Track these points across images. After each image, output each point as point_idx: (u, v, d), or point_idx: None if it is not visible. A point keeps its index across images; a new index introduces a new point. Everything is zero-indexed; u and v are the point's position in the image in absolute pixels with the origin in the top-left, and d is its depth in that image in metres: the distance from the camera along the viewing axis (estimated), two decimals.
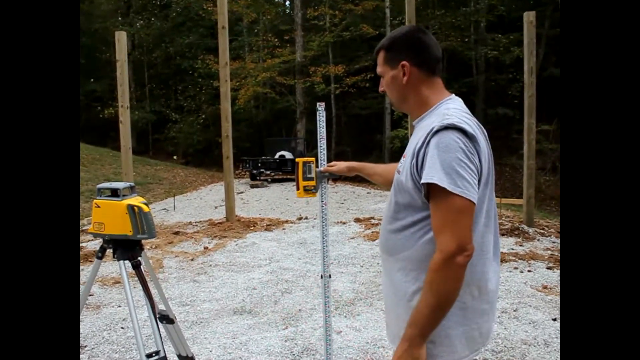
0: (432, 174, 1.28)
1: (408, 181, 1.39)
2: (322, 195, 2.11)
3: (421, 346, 1.34)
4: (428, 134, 1.34)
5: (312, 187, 2.02)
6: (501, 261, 5.06)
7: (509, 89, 19.35)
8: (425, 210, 1.37)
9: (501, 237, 6.31)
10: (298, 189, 2.04)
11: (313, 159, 2.04)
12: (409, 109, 1.56)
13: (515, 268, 4.95)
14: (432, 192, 1.31)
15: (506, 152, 18.07)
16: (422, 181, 1.31)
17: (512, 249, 5.72)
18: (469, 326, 1.41)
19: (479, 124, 1.45)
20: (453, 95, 1.52)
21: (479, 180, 1.35)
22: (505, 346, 3.23)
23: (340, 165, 2.07)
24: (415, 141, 1.41)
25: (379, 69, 1.56)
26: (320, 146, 2.10)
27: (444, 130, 1.31)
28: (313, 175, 2.02)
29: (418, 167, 1.35)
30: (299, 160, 2.04)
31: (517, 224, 6.97)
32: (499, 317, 3.71)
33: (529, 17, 7.20)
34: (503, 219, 7.59)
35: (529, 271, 4.84)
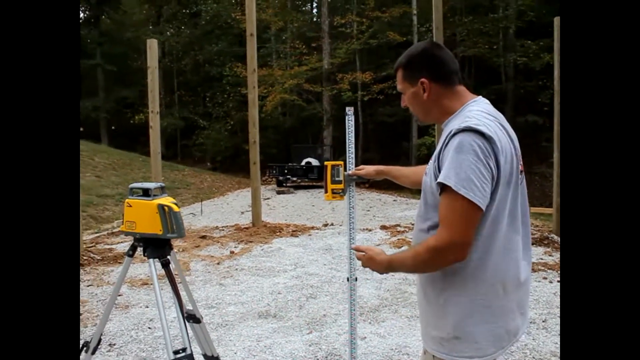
0: (445, 174, 1.35)
1: (432, 182, 1.45)
2: (349, 198, 2.12)
3: (379, 269, 1.60)
4: (447, 136, 1.41)
5: (340, 190, 2.04)
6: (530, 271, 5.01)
7: (539, 96, 18.99)
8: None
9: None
10: (326, 191, 2.06)
11: (341, 162, 2.06)
12: (435, 119, 1.61)
13: (545, 278, 4.84)
14: (443, 189, 1.38)
15: (536, 160, 17.73)
16: (437, 180, 1.39)
17: (541, 259, 5.60)
18: (495, 324, 1.45)
19: (504, 125, 1.48)
20: (479, 97, 1.56)
21: (498, 181, 1.38)
22: (533, 357, 3.17)
23: (368, 169, 2.10)
24: (440, 143, 1.47)
25: (399, 86, 1.62)
26: (349, 150, 2.11)
27: (461, 133, 1.36)
28: (341, 178, 2.04)
29: (439, 168, 1.41)
30: (328, 163, 2.06)
31: (547, 233, 6.83)
32: (526, 327, 3.63)
33: (559, 22, 7.08)
34: (532, 227, 7.44)
35: (558, 282, 4.73)
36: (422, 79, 1.53)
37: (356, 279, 2.15)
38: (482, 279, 1.43)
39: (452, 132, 1.38)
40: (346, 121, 2.12)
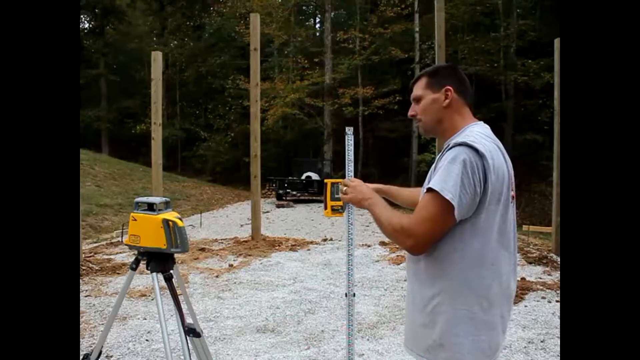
0: (434, 180, 1.46)
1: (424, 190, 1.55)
2: (348, 215, 2.15)
3: (363, 205, 1.71)
4: (444, 149, 1.52)
5: (340, 207, 2.07)
6: (529, 290, 5.01)
7: (539, 115, 19.11)
8: None
9: (528, 265, 6.19)
10: (326, 208, 2.09)
11: (341, 180, 2.09)
12: (441, 132, 1.68)
13: (543, 298, 4.84)
14: (429, 191, 1.48)
15: (535, 179, 17.77)
16: (427, 186, 1.48)
17: (540, 278, 5.60)
18: (478, 337, 1.50)
19: (501, 149, 1.56)
20: (480, 121, 1.65)
21: (484, 196, 1.46)
22: None
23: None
24: (437, 158, 1.58)
25: (417, 93, 1.69)
26: (348, 169, 2.14)
27: (457, 147, 1.47)
28: (340, 195, 2.08)
29: (432, 177, 1.51)
30: (328, 181, 2.10)
31: (546, 253, 6.83)
32: (525, 347, 3.63)
33: (560, 44, 7.17)
34: (531, 246, 7.45)
35: (557, 301, 4.73)
36: (448, 87, 1.62)
37: (354, 295, 2.16)
38: (468, 291, 1.49)
39: (450, 146, 1.49)
40: (346, 140, 2.15)
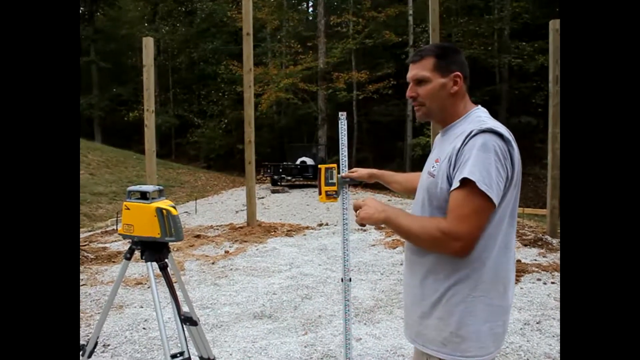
0: (470, 170, 1.37)
1: (444, 182, 1.47)
2: (343, 200, 2.14)
3: (382, 221, 1.54)
4: (466, 138, 1.43)
5: (334, 192, 2.06)
6: (524, 272, 5.04)
7: (533, 98, 19.11)
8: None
9: (524, 247, 6.23)
10: (320, 193, 2.09)
11: (335, 165, 2.09)
12: (442, 118, 1.62)
13: (539, 279, 4.87)
14: (462, 183, 1.39)
15: (529, 162, 17.82)
16: (462, 176, 1.39)
17: (535, 260, 5.64)
18: (496, 322, 1.48)
19: (508, 130, 1.51)
20: (479, 105, 1.62)
21: (510, 183, 1.43)
22: (527, 359, 3.19)
23: (361, 172, 2.12)
24: (450, 145, 1.49)
25: (423, 73, 1.57)
26: (342, 153, 2.14)
27: (482, 134, 1.40)
28: (335, 180, 2.07)
29: (454, 168, 1.43)
30: (322, 166, 2.09)
31: (541, 235, 6.87)
32: (520, 329, 3.66)
33: (554, 25, 7.12)
34: (526, 229, 7.48)
35: (552, 283, 4.77)
36: (457, 73, 1.55)
37: (350, 280, 2.15)
38: (485, 277, 1.45)
39: (474, 133, 1.41)
40: (339, 125, 2.14)
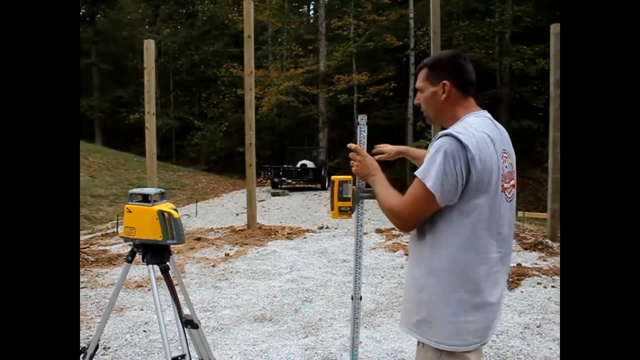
0: (420, 169, 1.56)
1: None
2: (358, 216, 1.95)
3: (367, 180, 1.80)
4: (433, 139, 1.60)
5: (348, 208, 1.89)
6: (524, 276, 5.04)
7: (534, 101, 19.11)
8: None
9: (524, 251, 6.22)
10: (332, 209, 1.91)
11: (350, 177, 1.89)
12: (443, 121, 1.73)
13: (539, 283, 4.87)
14: (416, 178, 1.58)
15: (530, 165, 17.83)
16: (414, 173, 1.59)
17: (536, 264, 5.63)
18: (465, 318, 1.58)
19: (493, 138, 1.60)
20: (481, 111, 1.69)
21: (467, 187, 1.53)
22: None
23: (390, 149, 2.14)
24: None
25: (418, 84, 1.75)
26: None
27: (442, 137, 1.54)
28: (349, 195, 1.88)
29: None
30: (335, 178, 1.90)
31: (541, 239, 6.86)
32: (521, 332, 3.66)
33: (555, 28, 7.13)
34: (526, 232, 7.48)
35: (552, 287, 4.76)
36: (445, 81, 1.67)
37: (361, 298, 2.00)
38: (458, 275, 1.58)
39: (438, 136, 1.57)
40: (358, 131, 1.94)
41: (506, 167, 1.62)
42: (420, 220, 1.59)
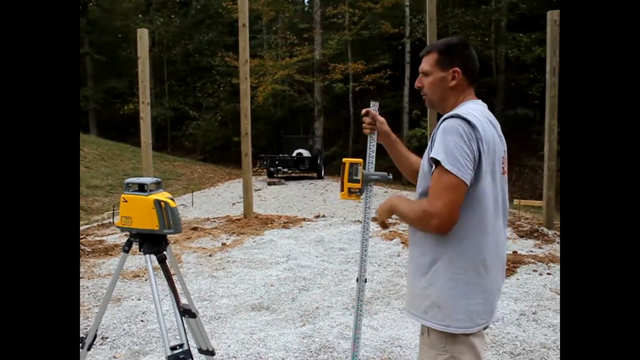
0: (436, 150, 1.53)
1: (426, 164, 1.64)
2: (366, 199, 2.00)
3: (390, 213, 1.75)
4: (440, 121, 1.59)
5: (357, 190, 1.94)
6: (520, 263, 5.07)
7: (530, 89, 19.08)
8: None
9: (520, 239, 6.26)
10: (342, 190, 1.95)
11: (361, 160, 1.93)
12: (443, 108, 1.74)
13: (535, 270, 4.90)
14: (435, 165, 1.55)
15: (526, 153, 17.85)
16: (431, 155, 1.55)
17: (531, 252, 5.67)
18: (474, 300, 1.59)
19: (494, 123, 1.66)
20: (477, 99, 1.73)
21: (480, 166, 1.54)
22: (524, 349, 3.21)
23: (385, 128, 2.01)
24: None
25: (426, 67, 1.73)
26: (370, 148, 1.96)
27: (449, 119, 1.55)
28: (359, 177, 1.93)
29: (431, 149, 1.58)
30: (346, 160, 1.94)
31: (537, 226, 6.90)
32: (517, 319, 3.68)
33: (552, 15, 7.10)
34: (522, 220, 7.51)
35: (548, 274, 4.79)
36: (456, 68, 1.68)
37: (366, 281, 2.02)
38: (465, 256, 1.58)
39: (443, 118, 1.57)
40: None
41: (504, 150, 1.67)
42: (458, 208, 1.52)
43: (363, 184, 1.94)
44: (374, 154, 1.97)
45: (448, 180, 1.49)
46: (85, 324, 3.73)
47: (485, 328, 1.67)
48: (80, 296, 4.35)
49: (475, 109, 1.62)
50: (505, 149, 1.70)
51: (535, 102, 18.20)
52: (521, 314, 3.78)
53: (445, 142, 1.51)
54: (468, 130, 1.51)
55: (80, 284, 4.68)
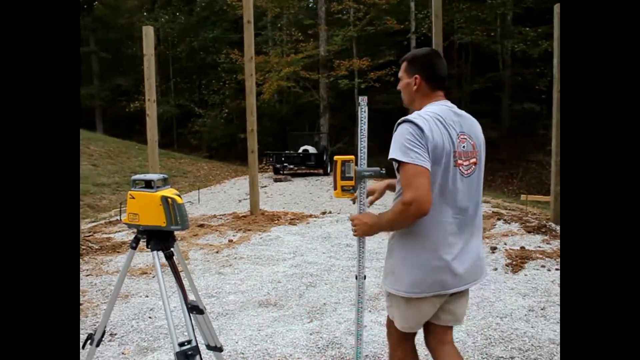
0: (391, 152, 1.81)
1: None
2: (360, 196, 2.02)
3: (375, 229, 1.97)
4: (395, 126, 1.87)
5: (351, 187, 1.97)
6: (528, 259, 5.04)
7: (536, 84, 18.95)
8: (399, 184, 1.88)
9: (528, 234, 6.22)
10: (335, 188, 1.98)
11: (352, 157, 1.96)
12: (414, 108, 2.04)
13: (543, 266, 4.87)
14: (398, 165, 1.82)
15: (532, 148, 17.76)
16: (389, 157, 1.82)
17: (539, 247, 5.63)
18: (421, 270, 1.91)
19: (447, 120, 1.89)
20: (442, 100, 1.99)
21: (428, 157, 1.80)
22: (532, 345, 3.19)
23: (379, 187, 2.30)
24: None
25: (400, 74, 2.08)
26: (361, 143, 1.98)
27: (401, 123, 1.85)
28: (352, 174, 1.95)
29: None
30: (338, 158, 1.97)
31: (545, 222, 6.86)
32: (525, 315, 3.66)
33: (559, 9, 7.04)
34: (529, 216, 7.47)
35: (556, 270, 4.76)
36: (417, 76, 1.99)
37: (365, 277, 2.10)
38: (414, 235, 1.89)
39: (398, 123, 1.86)
40: (359, 112, 2.01)
41: (464, 146, 1.90)
42: (429, 189, 1.76)
43: (356, 181, 1.99)
44: (365, 150, 2.00)
45: (410, 170, 1.76)
46: (94, 321, 3.74)
47: (438, 296, 1.94)
48: (89, 293, 4.37)
49: (429, 110, 1.89)
50: (475, 143, 1.95)
51: (542, 97, 18.10)
52: (530, 310, 3.75)
53: (398, 143, 1.80)
54: (415, 131, 1.79)
55: (89, 281, 4.70)
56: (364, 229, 1.97)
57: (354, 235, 2.03)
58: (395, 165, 1.85)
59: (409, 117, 1.84)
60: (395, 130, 1.85)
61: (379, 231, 1.97)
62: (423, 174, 1.75)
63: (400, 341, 2.14)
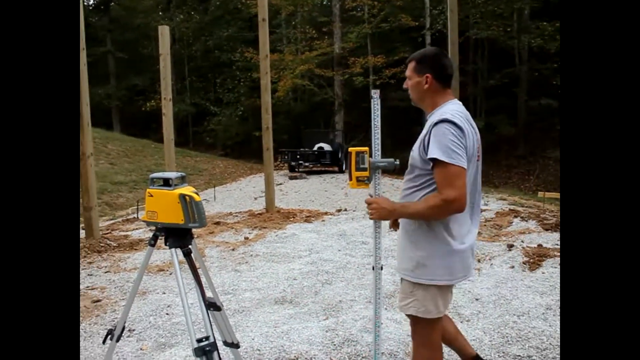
0: (431, 151, 1.89)
1: (416, 159, 2.02)
2: (375, 186, 2.07)
3: (394, 215, 2.08)
4: (431, 126, 1.95)
5: (366, 178, 2.02)
6: (546, 257, 4.98)
7: (553, 79, 18.67)
8: (422, 178, 2.00)
9: (545, 232, 6.15)
10: (351, 179, 2.03)
11: (367, 148, 2.01)
12: (424, 106, 2.15)
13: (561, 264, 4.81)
14: (435, 163, 1.91)
15: (549, 145, 17.53)
16: (428, 156, 1.91)
17: (557, 245, 5.57)
18: (453, 257, 2.01)
19: (470, 121, 2.03)
20: (455, 99, 2.11)
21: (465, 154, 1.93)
22: (550, 344, 3.16)
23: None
24: (424, 131, 2.02)
25: (407, 73, 2.16)
26: (375, 136, 2.07)
27: (441, 122, 1.92)
28: (366, 165, 2.00)
29: (425, 148, 1.95)
30: (352, 150, 2.01)
31: None
32: (543, 313, 3.63)
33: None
34: (547, 213, 7.39)
35: None
36: (428, 75, 2.07)
37: (382, 268, 2.17)
38: (442, 225, 1.99)
39: (434, 122, 1.93)
40: (372, 105, 2.07)
41: (478, 140, 2.04)
42: (465, 190, 1.89)
43: (371, 172, 2.04)
44: (379, 142, 2.05)
45: (451, 170, 1.86)
46: (113, 317, 3.80)
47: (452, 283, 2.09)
48: (108, 290, 4.44)
49: (456, 110, 1.98)
50: (479, 137, 2.07)
51: (559, 92, 17.79)
52: (547, 308, 3.72)
53: (441, 143, 1.87)
54: (456, 131, 1.89)
55: (107, 278, 4.77)
56: (381, 213, 2.03)
57: (370, 218, 2.09)
58: (430, 163, 1.93)
59: (448, 117, 1.92)
60: (432, 130, 1.92)
61: (397, 217, 2.07)
62: (463, 174, 1.88)
63: (426, 339, 2.18)
